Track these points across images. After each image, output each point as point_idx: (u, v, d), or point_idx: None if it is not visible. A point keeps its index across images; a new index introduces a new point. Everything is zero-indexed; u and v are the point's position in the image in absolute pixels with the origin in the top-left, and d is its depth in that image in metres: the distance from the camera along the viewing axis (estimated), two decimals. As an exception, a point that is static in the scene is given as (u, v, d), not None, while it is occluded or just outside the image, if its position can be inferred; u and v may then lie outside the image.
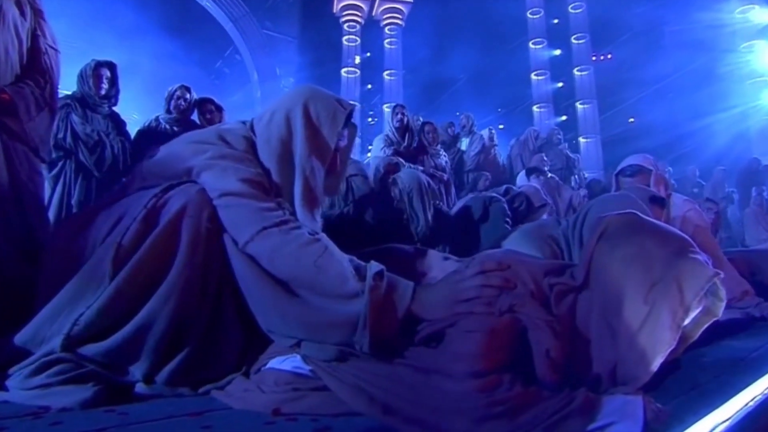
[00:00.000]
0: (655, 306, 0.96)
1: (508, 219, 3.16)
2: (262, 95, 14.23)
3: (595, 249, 1.06)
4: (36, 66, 2.35)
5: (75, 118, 3.53)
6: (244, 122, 1.42)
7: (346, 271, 1.06)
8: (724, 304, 1.06)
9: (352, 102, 1.37)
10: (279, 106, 1.32)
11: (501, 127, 15.39)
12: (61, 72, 2.50)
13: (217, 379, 1.17)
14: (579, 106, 13.73)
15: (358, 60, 15.35)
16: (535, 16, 14.50)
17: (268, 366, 1.11)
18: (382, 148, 4.70)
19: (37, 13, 2.39)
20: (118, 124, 3.83)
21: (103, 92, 3.71)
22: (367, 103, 17.28)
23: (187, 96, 4.06)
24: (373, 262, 1.09)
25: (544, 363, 0.92)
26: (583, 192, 6.64)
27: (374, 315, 0.98)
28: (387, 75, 15.58)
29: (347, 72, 15.15)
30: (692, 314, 0.99)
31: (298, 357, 1.07)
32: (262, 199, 1.18)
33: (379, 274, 1.05)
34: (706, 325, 1.09)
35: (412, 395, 0.87)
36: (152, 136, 3.79)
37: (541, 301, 1.01)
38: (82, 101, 3.65)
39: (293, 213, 1.23)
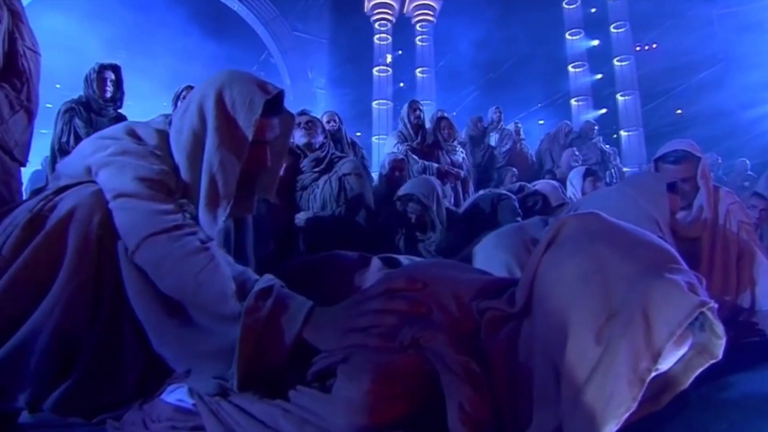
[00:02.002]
0: (609, 347, 0.67)
1: (518, 219, 2.90)
2: (294, 98, 14.29)
3: (542, 262, 0.79)
4: (13, 68, 2.30)
5: (78, 122, 3.53)
6: (167, 115, 1.27)
7: (228, 288, 0.88)
8: (723, 342, 0.74)
9: (278, 87, 1.18)
10: (194, 94, 1.16)
11: (541, 122, 14.87)
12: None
13: (114, 407, 1.02)
14: (619, 97, 12.99)
15: (389, 59, 15.19)
16: (571, 6, 13.87)
17: (161, 396, 0.96)
18: (395, 145, 4.50)
19: (15, 15, 2.34)
20: (125, 127, 3.80)
21: (108, 95, 3.70)
22: (400, 102, 17.07)
23: (193, 96, 4.00)
24: (266, 276, 0.91)
25: (457, 418, 0.69)
26: (618, 188, 6.20)
27: (246, 344, 0.80)
28: (419, 72, 15.35)
29: (379, 71, 15.04)
30: (668, 360, 0.70)
31: (185, 388, 0.90)
32: (160, 201, 1.02)
33: (264, 292, 0.86)
34: (700, 369, 0.78)
35: (280, 452, 0.69)
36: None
37: (467, 333, 0.78)
38: (87, 105, 3.65)
39: (197, 216, 1.06)
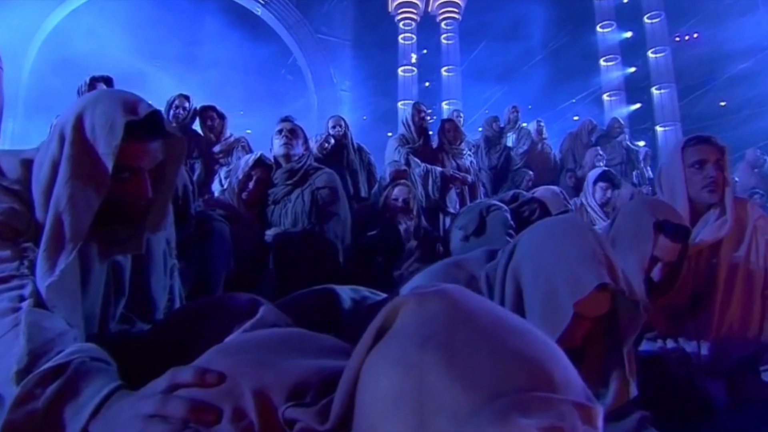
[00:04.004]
0: None
1: (511, 231, 2.67)
2: (318, 102, 14.26)
3: (366, 361, 0.55)
4: (-29, 83, 2.26)
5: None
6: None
7: (13, 365, 0.71)
8: None
9: (152, 105, 1.01)
10: (59, 119, 1.02)
11: (576, 118, 14.32)
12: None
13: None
14: (655, 91, 12.31)
15: (414, 58, 14.99)
16: (602, -1, 13.31)
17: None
18: (395, 149, 4.31)
19: (-25, 29, 2.30)
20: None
21: (99, 107, 3.66)
22: (426, 101, 16.82)
23: (186, 105, 3.93)
24: (78, 346, 0.74)
25: None
26: (645, 189, 5.81)
27: None
28: (445, 71, 15.07)
29: (404, 71, 14.87)
30: None
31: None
32: None
33: (52, 372, 0.69)
34: None
35: None
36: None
37: None
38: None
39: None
